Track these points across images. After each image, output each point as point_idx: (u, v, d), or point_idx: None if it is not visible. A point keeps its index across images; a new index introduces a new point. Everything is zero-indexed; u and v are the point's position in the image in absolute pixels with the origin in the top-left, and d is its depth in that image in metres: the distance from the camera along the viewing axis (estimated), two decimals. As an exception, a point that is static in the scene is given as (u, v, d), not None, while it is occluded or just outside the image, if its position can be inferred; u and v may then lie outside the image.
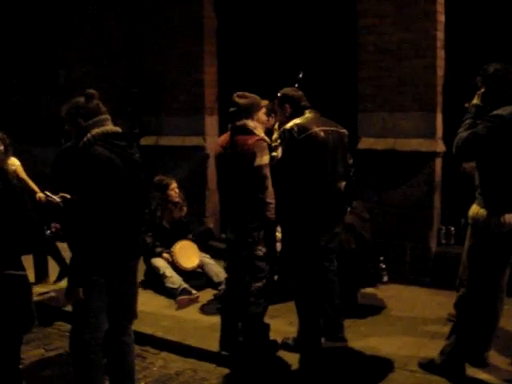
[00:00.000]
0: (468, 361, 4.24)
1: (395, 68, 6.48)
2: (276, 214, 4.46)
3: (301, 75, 5.25)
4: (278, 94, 4.70)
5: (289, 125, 4.46)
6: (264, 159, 4.40)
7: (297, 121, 4.48)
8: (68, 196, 4.24)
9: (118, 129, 3.66)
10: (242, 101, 4.51)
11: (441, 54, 6.39)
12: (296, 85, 5.17)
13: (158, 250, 6.44)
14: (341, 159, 4.56)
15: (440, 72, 6.39)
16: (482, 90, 4.05)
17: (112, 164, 3.48)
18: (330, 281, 4.61)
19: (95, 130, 3.51)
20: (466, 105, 4.53)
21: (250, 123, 4.48)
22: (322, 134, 4.42)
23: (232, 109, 4.53)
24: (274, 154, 4.47)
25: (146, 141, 8.17)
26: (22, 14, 9.47)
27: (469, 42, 6.35)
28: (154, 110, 8.19)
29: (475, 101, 4.07)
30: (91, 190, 3.41)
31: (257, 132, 4.48)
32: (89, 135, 3.50)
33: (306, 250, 4.50)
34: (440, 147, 6.34)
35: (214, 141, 7.58)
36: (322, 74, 6.95)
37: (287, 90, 4.71)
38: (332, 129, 4.54)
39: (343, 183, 4.54)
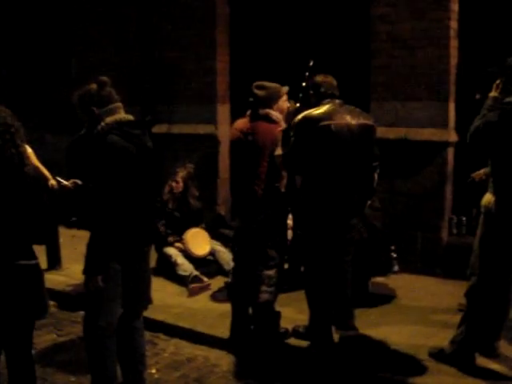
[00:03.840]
0: (478, 350, 4.25)
1: (408, 57, 6.44)
2: (290, 203, 4.48)
3: (311, 63, 5.23)
4: (305, 82, 4.70)
5: (298, 117, 4.39)
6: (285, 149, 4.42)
7: (309, 112, 4.39)
8: (79, 182, 4.28)
9: (131, 117, 3.67)
10: (260, 92, 4.55)
11: (454, 43, 6.34)
12: (306, 73, 5.16)
13: (171, 239, 6.49)
14: (362, 151, 4.44)
15: (453, 61, 6.35)
16: (499, 81, 4.01)
17: (127, 152, 3.50)
18: (344, 271, 4.62)
19: (109, 118, 3.53)
20: (477, 96, 4.52)
21: (273, 113, 4.53)
22: (332, 126, 4.29)
23: (251, 99, 4.54)
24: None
25: (158, 129, 8.17)
26: (35, 4, 9.48)
27: (482, 31, 6.30)
28: (166, 98, 8.18)
29: (493, 93, 4.02)
30: (107, 178, 3.43)
31: (280, 122, 4.53)
32: (103, 123, 3.51)
33: (322, 240, 4.47)
34: (452, 137, 6.32)
35: (225, 129, 7.60)
36: (335, 62, 6.91)
37: (316, 77, 4.64)
38: (348, 121, 4.36)
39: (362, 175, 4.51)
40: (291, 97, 5.73)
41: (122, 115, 3.60)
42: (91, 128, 3.55)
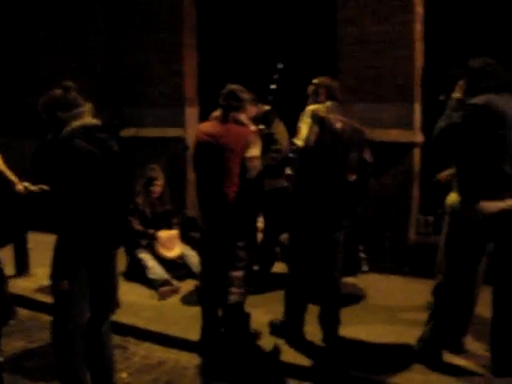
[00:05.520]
0: (445, 347, 4.33)
1: (374, 59, 6.52)
2: (260, 206, 4.54)
3: (280, 66, 5.27)
4: (315, 81, 4.72)
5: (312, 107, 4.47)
6: (256, 151, 4.50)
7: (317, 107, 4.47)
8: (46, 188, 4.25)
9: (97, 121, 3.67)
10: (244, 95, 4.65)
11: (419, 45, 6.44)
12: (275, 76, 5.19)
13: (143, 242, 6.48)
14: (354, 153, 4.52)
15: (418, 63, 6.45)
16: (463, 82, 4.09)
17: (92, 156, 3.49)
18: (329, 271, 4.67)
19: (74, 123, 3.52)
20: (441, 97, 4.59)
21: (243, 116, 4.62)
22: (336, 124, 4.39)
23: (235, 103, 4.59)
24: (297, 142, 4.44)
25: (126, 132, 8.15)
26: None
27: (447, 33, 6.41)
28: (135, 102, 8.16)
29: (457, 94, 4.09)
30: (72, 182, 3.43)
31: (248, 125, 4.61)
32: (68, 128, 3.50)
33: (306, 236, 4.56)
34: (418, 138, 6.41)
35: (194, 132, 7.58)
36: (302, 65, 6.98)
37: (324, 79, 4.73)
38: (350, 122, 4.50)
39: (353, 176, 4.55)
40: (260, 99, 5.79)
41: (87, 119, 3.60)
42: (57, 133, 3.54)
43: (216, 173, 4.54)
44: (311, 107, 4.46)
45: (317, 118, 4.37)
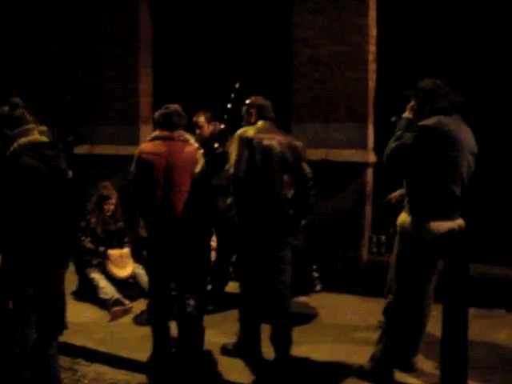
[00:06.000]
0: (397, 366, 4.34)
1: (328, 80, 6.60)
2: (213, 224, 4.53)
3: (237, 85, 5.29)
4: (247, 101, 4.75)
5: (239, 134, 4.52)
6: (201, 167, 4.56)
7: (247, 129, 4.53)
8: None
9: (45, 138, 3.62)
10: (184, 114, 4.71)
11: (372, 66, 6.55)
12: (232, 95, 5.21)
13: (95, 261, 6.39)
14: (292, 169, 4.55)
15: (371, 84, 6.54)
16: (413, 103, 4.18)
17: (39, 173, 3.45)
18: (278, 291, 4.62)
19: (22, 140, 3.48)
20: (393, 119, 4.67)
21: (188, 134, 4.71)
22: (265, 142, 4.42)
23: (180, 121, 4.64)
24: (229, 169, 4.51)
25: (80, 149, 8.06)
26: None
27: (399, 55, 6.53)
28: (90, 119, 8.10)
29: (407, 114, 4.19)
30: (18, 200, 3.36)
31: (190, 141, 4.65)
32: (15, 145, 3.46)
33: (254, 256, 4.55)
34: (371, 158, 6.48)
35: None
36: (258, 84, 6.99)
37: (256, 98, 4.77)
38: (281, 139, 4.53)
39: (291, 191, 4.59)
40: (216, 118, 5.80)
41: (35, 136, 3.55)
42: (4, 150, 3.48)
43: (166, 191, 4.51)
44: (238, 131, 4.54)
45: (245, 141, 4.42)
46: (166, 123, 4.63)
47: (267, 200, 4.44)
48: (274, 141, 4.46)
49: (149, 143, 4.67)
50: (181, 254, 4.52)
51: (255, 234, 4.49)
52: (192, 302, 4.56)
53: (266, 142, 4.42)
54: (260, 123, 4.58)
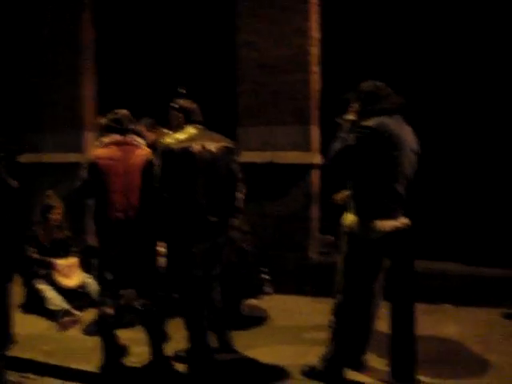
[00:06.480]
0: (347, 365, 4.38)
1: (273, 83, 6.64)
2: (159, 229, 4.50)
3: (182, 90, 5.28)
4: (175, 105, 4.73)
5: (167, 140, 4.51)
6: (155, 168, 4.55)
7: (175, 136, 4.54)
8: None
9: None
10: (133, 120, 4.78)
11: (316, 69, 6.61)
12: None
13: (42, 272, 6.26)
14: (221, 172, 4.57)
15: (315, 86, 6.61)
16: (356, 105, 4.23)
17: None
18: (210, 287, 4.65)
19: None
20: (338, 120, 4.72)
21: (139, 138, 4.74)
22: (195, 148, 4.44)
23: (130, 126, 4.69)
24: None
25: (26, 158, 7.91)
26: None
27: (343, 57, 6.61)
28: (35, 127, 7.95)
29: (350, 116, 4.23)
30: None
31: (142, 145, 4.70)
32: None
33: (179, 258, 4.54)
34: (316, 159, 6.54)
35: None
36: (202, 89, 7.00)
37: (183, 102, 4.76)
38: (213, 144, 4.54)
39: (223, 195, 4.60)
40: (160, 124, 5.76)
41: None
42: None
43: (126, 195, 4.51)
44: (163, 140, 4.58)
45: (164, 151, 4.47)
46: (117, 128, 4.61)
47: (187, 207, 4.46)
48: (199, 145, 4.47)
49: (104, 149, 4.62)
50: (136, 257, 4.52)
51: (186, 235, 4.50)
52: (148, 307, 4.57)
53: (191, 149, 4.44)
54: (188, 128, 4.60)
